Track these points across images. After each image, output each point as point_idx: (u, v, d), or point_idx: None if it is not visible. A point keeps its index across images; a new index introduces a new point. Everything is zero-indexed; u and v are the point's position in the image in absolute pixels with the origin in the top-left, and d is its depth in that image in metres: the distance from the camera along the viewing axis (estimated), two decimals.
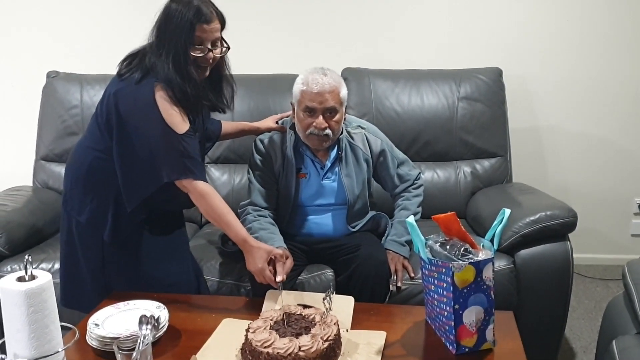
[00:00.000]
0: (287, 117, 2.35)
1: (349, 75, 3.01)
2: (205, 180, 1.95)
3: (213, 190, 1.94)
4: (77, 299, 2.08)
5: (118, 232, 2.00)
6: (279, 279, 1.85)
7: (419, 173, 2.46)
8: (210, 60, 1.93)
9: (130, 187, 1.95)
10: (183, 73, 1.86)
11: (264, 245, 1.93)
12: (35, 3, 3.33)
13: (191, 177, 1.88)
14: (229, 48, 1.98)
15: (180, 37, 1.84)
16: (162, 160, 1.87)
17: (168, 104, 1.86)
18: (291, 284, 2.18)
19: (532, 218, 2.30)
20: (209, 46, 1.90)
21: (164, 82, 1.86)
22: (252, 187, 2.31)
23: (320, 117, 2.13)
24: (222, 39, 1.96)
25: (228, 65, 2.07)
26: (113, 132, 1.92)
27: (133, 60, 1.94)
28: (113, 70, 1.99)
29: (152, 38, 1.91)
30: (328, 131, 2.15)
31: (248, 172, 2.34)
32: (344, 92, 2.17)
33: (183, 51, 1.85)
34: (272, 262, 1.90)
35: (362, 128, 2.36)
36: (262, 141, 2.31)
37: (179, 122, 1.87)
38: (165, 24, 1.86)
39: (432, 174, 2.92)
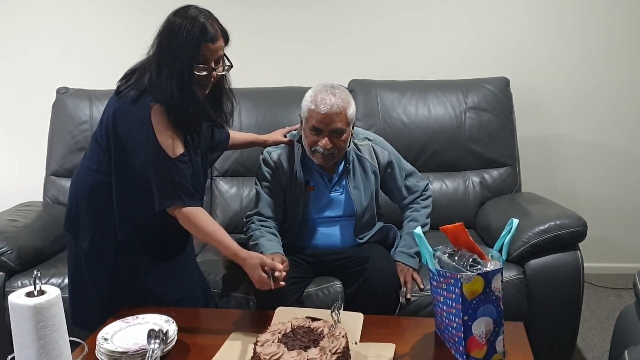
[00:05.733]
0: (295, 130, 2.35)
1: (355, 86, 3.01)
2: (194, 206, 1.89)
3: (199, 210, 1.89)
4: (86, 319, 2.05)
5: (122, 260, 1.98)
6: (277, 274, 1.85)
7: (427, 184, 2.46)
8: (212, 79, 1.90)
9: (123, 212, 1.92)
10: (186, 92, 1.82)
11: (254, 254, 1.92)
12: (44, 20, 3.38)
13: (179, 205, 1.85)
14: (231, 66, 1.95)
15: (185, 55, 1.79)
16: (154, 187, 1.84)
17: (163, 126, 1.83)
18: (297, 296, 2.18)
19: (541, 228, 2.29)
20: (213, 65, 1.87)
21: (164, 101, 1.82)
22: (259, 198, 2.32)
23: (326, 139, 2.13)
24: (225, 56, 1.93)
25: (228, 80, 2.03)
26: (111, 154, 1.90)
27: (132, 77, 1.91)
28: None
29: (153, 53, 1.86)
30: (333, 150, 2.15)
31: (255, 184, 2.36)
32: (351, 111, 2.16)
33: (188, 70, 1.81)
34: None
35: (369, 140, 2.36)
36: (269, 153, 2.32)
37: (172, 145, 1.84)
38: (169, 40, 1.81)
39: (441, 185, 2.91)
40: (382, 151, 2.35)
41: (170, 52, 1.81)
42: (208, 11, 1.87)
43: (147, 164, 1.83)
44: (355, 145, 2.32)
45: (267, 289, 1.87)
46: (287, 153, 2.31)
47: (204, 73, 1.85)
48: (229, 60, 1.94)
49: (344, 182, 2.30)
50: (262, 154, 2.35)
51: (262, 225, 2.25)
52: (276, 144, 2.35)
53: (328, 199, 2.30)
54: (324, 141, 2.13)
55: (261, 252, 2.04)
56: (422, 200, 2.40)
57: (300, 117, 2.23)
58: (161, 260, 2.04)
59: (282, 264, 1.92)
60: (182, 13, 1.84)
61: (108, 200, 1.94)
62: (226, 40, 1.89)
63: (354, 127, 2.27)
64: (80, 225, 1.99)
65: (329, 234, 2.32)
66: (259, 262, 1.87)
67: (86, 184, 1.99)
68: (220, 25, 1.88)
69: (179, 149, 1.86)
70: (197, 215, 1.88)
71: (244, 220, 2.33)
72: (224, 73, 1.95)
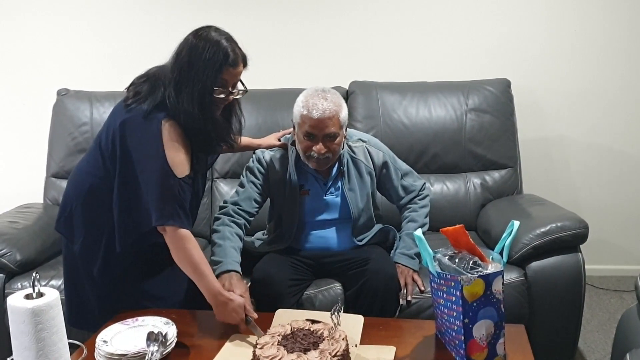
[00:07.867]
0: (289, 134, 2.34)
1: (356, 88, 3.01)
2: (188, 229, 1.86)
3: (192, 236, 1.85)
4: (84, 319, 2.04)
5: (109, 268, 1.96)
6: (255, 316, 1.84)
7: (424, 183, 2.44)
8: (227, 102, 1.91)
9: (124, 226, 1.89)
10: (207, 113, 1.83)
11: (236, 297, 1.85)
12: (45, 21, 3.38)
13: (177, 225, 1.82)
14: (245, 91, 1.95)
15: (207, 77, 1.80)
16: (154, 201, 1.81)
17: (174, 144, 1.82)
18: (297, 298, 2.18)
19: (542, 230, 2.28)
20: (230, 88, 1.88)
21: (185, 122, 1.82)
22: (242, 189, 2.28)
23: (320, 144, 2.12)
24: (240, 80, 1.93)
25: (239, 101, 2.03)
26: (116, 165, 1.88)
27: (143, 88, 1.89)
28: (122, 88, 1.97)
29: (171, 70, 1.84)
30: (328, 154, 2.14)
31: (242, 176, 2.32)
32: (344, 114, 2.15)
33: (209, 92, 1.82)
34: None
35: (363, 141, 2.35)
36: (262, 153, 2.31)
37: (180, 164, 1.83)
38: (190, 60, 1.80)
39: (442, 186, 2.90)
40: (377, 152, 2.34)
41: (191, 73, 1.80)
42: (228, 34, 1.87)
43: (153, 180, 1.81)
44: (349, 147, 2.31)
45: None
46: (280, 156, 2.30)
47: (222, 96, 1.86)
48: (243, 85, 1.95)
49: (338, 184, 2.29)
50: (254, 152, 2.35)
51: (233, 221, 2.19)
52: (270, 147, 2.34)
53: (323, 202, 2.29)
54: (318, 146, 2.12)
55: (218, 261, 2.03)
56: (420, 199, 2.38)
57: (293, 122, 2.21)
58: (148, 276, 2.02)
59: (243, 289, 1.92)
60: (203, 35, 1.83)
61: (102, 206, 1.92)
62: (245, 64, 1.90)
63: (347, 129, 2.26)
64: (72, 228, 1.98)
65: (326, 237, 2.31)
66: (242, 308, 1.84)
67: (83, 187, 1.96)
68: (240, 49, 1.88)
69: (186, 170, 1.85)
70: (191, 241, 1.84)
71: (220, 205, 2.29)
72: (238, 97, 1.95)
